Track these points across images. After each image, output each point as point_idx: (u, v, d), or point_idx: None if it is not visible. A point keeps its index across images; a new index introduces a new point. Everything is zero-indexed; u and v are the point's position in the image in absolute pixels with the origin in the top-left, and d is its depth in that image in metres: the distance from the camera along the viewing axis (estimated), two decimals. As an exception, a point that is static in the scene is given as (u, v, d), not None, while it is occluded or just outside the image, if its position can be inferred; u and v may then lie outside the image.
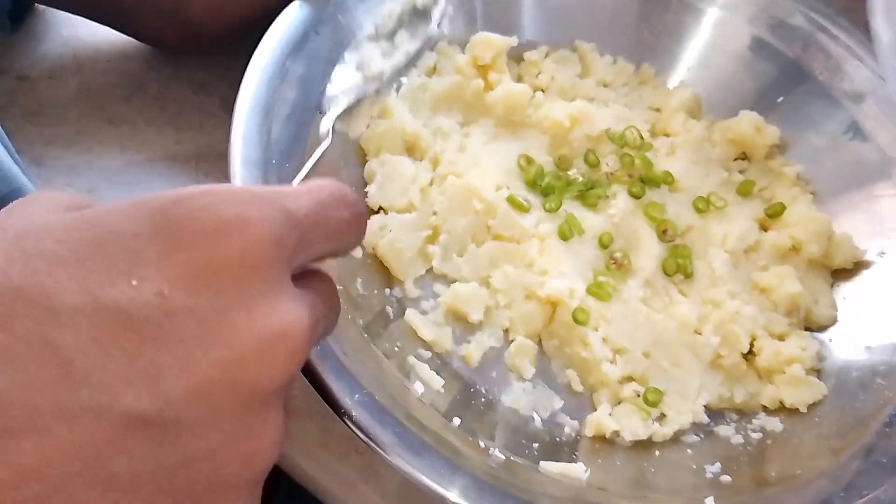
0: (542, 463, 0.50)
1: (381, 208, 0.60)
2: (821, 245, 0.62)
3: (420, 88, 0.66)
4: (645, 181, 0.65)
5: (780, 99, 0.69)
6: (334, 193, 0.31)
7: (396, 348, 0.54)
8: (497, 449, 0.50)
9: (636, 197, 0.64)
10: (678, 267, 0.62)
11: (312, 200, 0.29)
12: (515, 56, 0.70)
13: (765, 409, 0.58)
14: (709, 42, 0.72)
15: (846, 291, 0.62)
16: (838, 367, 0.58)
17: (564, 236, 0.61)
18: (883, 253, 0.62)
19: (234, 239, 0.25)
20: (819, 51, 0.68)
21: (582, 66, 0.72)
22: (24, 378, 0.22)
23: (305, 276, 0.31)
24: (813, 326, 0.61)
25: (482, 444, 0.50)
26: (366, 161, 0.61)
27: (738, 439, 0.55)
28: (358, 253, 0.56)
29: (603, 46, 0.72)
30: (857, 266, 0.63)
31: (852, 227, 0.63)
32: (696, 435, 0.56)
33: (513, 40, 0.67)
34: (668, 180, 0.65)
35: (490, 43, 0.67)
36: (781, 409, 0.57)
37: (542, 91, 0.70)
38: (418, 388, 0.52)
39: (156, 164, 0.64)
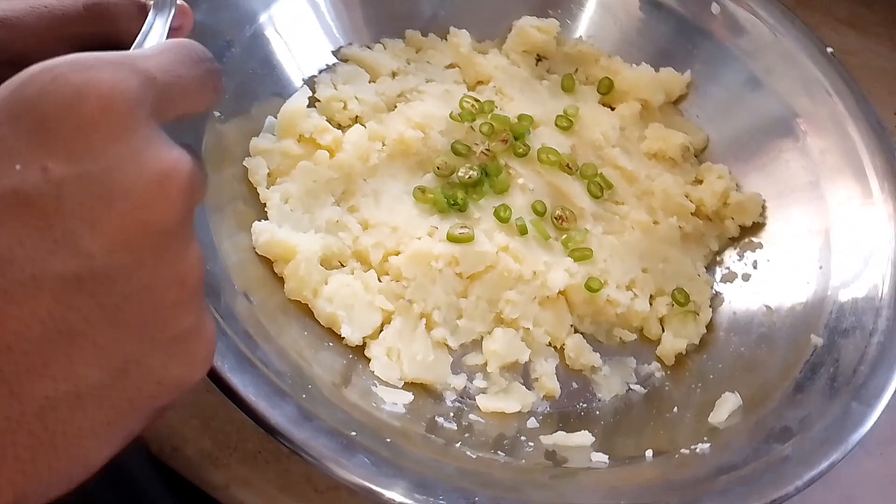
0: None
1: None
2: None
3: (282, 201, 0.57)
4: (516, 136, 0.65)
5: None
6: (186, 51, 0.31)
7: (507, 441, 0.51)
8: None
9: (521, 155, 0.64)
10: (599, 185, 0.64)
11: (165, 59, 0.30)
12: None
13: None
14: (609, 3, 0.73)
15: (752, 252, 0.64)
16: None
17: (524, 230, 0.60)
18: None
19: (93, 100, 0.26)
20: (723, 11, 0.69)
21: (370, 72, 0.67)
22: None
23: None
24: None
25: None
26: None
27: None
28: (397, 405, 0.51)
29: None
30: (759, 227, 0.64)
31: (758, 186, 0.65)
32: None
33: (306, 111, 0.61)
34: (530, 122, 0.66)
35: (297, 113, 0.60)
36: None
37: (357, 118, 0.65)
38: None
39: None
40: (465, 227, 0.59)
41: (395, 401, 0.50)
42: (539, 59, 0.73)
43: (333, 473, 0.41)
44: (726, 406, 0.52)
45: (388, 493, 0.40)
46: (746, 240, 0.65)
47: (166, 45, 0.31)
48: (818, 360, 0.53)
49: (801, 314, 0.57)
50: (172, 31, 0.37)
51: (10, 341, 0.25)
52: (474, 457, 0.47)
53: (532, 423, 0.53)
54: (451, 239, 0.58)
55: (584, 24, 0.73)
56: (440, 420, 0.51)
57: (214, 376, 0.42)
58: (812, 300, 0.57)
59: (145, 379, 0.28)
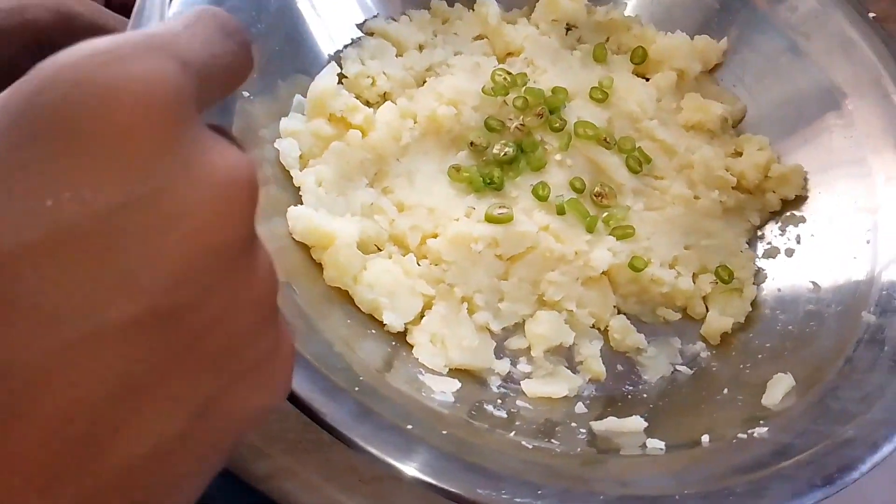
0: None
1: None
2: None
3: (316, 185, 0.55)
4: (551, 109, 0.63)
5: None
6: (216, 22, 0.26)
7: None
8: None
9: (558, 130, 0.62)
10: (638, 159, 0.63)
11: (196, 36, 0.25)
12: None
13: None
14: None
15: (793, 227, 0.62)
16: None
17: (562, 210, 0.58)
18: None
19: (128, 104, 0.21)
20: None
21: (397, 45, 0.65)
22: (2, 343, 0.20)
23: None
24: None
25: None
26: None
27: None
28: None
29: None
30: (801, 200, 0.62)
31: (799, 158, 0.63)
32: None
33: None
34: (565, 94, 0.64)
35: (327, 92, 0.58)
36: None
37: (386, 95, 0.63)
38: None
39: None
40: (504, 206, 0.57)
41: (444, 389, 0.49)
42: (569, 28, 0.71)
43: (394, 470, 0.40)
44: (780, 387, 0.51)
45: (454, 489, 0.39)
46: (788, 213, 0.63)
47: (191, 16, 0.26)
48: (872, 338, 0.52)
49: (849, 291, 0.56)
50: None
51: (71, 414, 0.21)
52: (530, 447, 0.46)
53: (580, 407, 0.52)
54: (490, 219, 0.56)
55: (616, -10, 0.71)
56: (489, 408, 0.50)
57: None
58: (860, 277, 0.56)
59: (227, 418, 0.25)
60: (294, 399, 0.40)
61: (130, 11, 0.52)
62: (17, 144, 0.21)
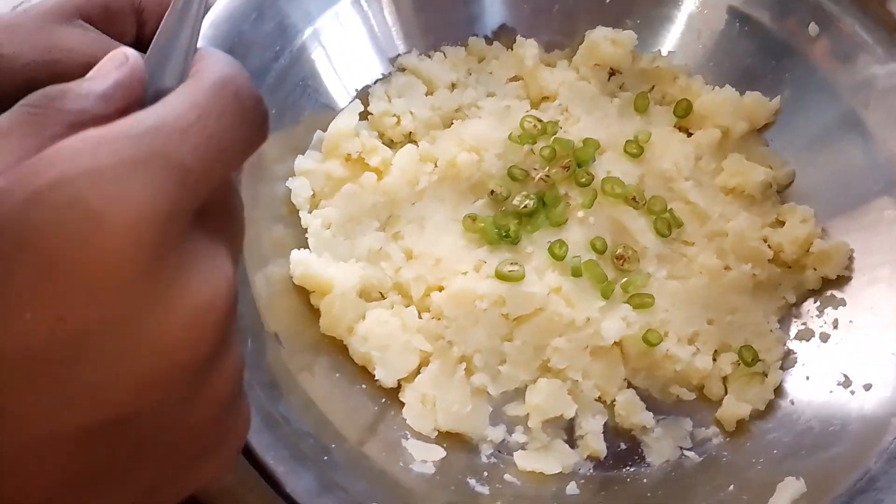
0: None
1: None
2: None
3: (323, 227, 0.54)
4: (579, 163, 0.60)
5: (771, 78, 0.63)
6: (235, 108, 0.24)
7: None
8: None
9: (584, 185, 0.59)
10: (667, 222, 0.59)
11: (204, 132, 0.23)
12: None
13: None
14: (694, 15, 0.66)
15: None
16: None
17: (577, 272, 0.55)
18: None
19: (118, 232, 0.21)
20: (823, 34, 0.61)
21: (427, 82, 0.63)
22: None
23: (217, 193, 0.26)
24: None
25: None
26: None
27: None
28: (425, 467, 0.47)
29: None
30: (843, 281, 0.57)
31: (845, 235, 0.58)
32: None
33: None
34: (595, 147, 0.61)
35: (343, 133, 0.56)
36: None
37: (410, 135, 0.61)
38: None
39: None
40: (515, 263, 0.55)
41: (426, 458, 0.47)
42: (612, 73, 0.67)
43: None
44: (788, 492, 0.47)
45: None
46: (828, 293, 0.58)
47: (209, 95, 0.24)
48: (896, 453, 0.47)
49: (883, 392, 0.51)
50: None
51: (33, 498, 0.23)
52: None
53: (572, 488, 0.50)
54: (500, 276, 0.54)
55: (665, 38, 0.67)
56: (472, 482, 0.48)
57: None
58: (897, 376, 0.51)
59: (177, 488, 0.26)
60: (258, 466, 0.39)
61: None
62: (2, 253, 0.21)
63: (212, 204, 0.26)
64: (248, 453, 0.40)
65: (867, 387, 0.52)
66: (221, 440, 0.27)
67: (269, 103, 0.53)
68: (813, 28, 0.62)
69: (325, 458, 0.41)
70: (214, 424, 0.26)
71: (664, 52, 0.67)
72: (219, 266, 0.24)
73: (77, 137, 0.22)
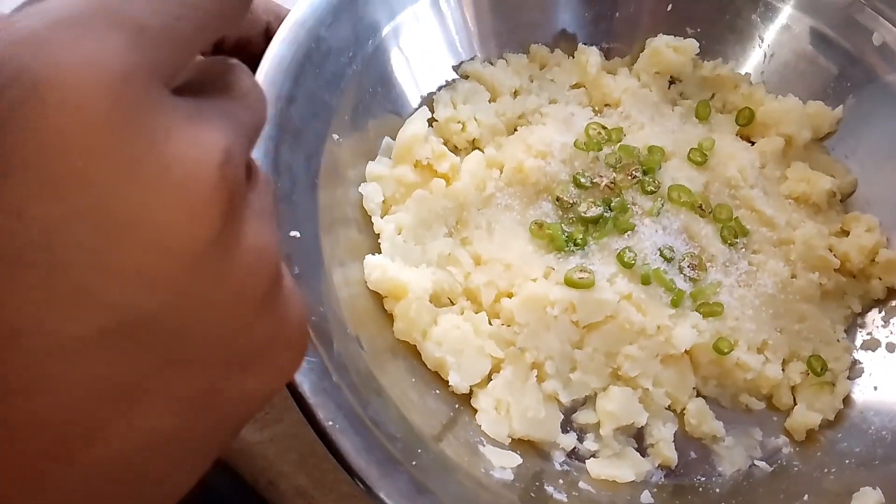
0: None
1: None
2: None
3: (395, 232, 0.54)
4: (646, 170, 0.60)
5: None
6: None
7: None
8: None
9: (650, 193, 0.59)
10: (734, 231, 0.59)
11: None
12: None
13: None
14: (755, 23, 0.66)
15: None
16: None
17: (647, 280, 0.55)
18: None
19: (65, 102, 0.19)
20: (887, 43, 0.61)
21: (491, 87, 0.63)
22: None
23: (210, 73, 0.25)
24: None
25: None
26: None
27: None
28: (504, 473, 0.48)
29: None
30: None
31: None
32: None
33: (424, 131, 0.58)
34: (661, 155, 0.61)
35: (415, 139, 0.57)
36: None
37: (475, 141, 0.61)
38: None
39: None
40: (585, 270, 0.55)
41: (504, 464, 0.48)
42: (672, 81, 0.68)
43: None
44: (864, 503, 0.47)
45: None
46: (893, 304, 0.58)
47: None
48: (977, 462, 0.47)
49: (958, 402, 0.51)
50: None
51: (47, 418, 0.21)
52: None
53: (646, 497, 0.50)
54: (570, 283, 0.54)
55: (725, 46, 0.67)
56: (549, 489, 0.48)
57: (323, 436, 0.40)
58: (971, 386, 0.51)
59: (224, 406, 0.25)
60: (350, 470, 0.40)
61: (245, 52, 0.52)
62: None
63: (209, 80, 0.24)
64: (339, 456, 0.40)
65: (940, 398, 0.52)
66: (267, 345, 0.25)
67: (345, 108, 0.54)
68: (877, 37, 0.62)
69: (415, 462, 0.42)
70: (248, 325, 0.24)
71: (726, 61, 0.67)
72: (206, 136, 0.22)
73: (22, 12, 0.20)
